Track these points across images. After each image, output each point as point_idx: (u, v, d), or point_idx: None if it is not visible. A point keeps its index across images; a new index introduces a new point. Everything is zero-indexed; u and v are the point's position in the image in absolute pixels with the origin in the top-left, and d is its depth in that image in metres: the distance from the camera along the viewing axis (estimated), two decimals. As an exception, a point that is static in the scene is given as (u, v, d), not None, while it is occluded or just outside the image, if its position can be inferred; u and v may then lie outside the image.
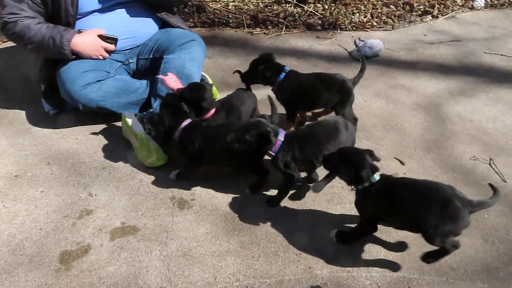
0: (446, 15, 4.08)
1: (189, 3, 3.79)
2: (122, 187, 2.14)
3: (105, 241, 1.87)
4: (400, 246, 1.87)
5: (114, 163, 2.28)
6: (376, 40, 3.36)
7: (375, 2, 4.12)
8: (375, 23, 3.87)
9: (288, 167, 1.93)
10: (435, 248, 1.72)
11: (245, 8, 3.95)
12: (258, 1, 4.06)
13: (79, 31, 2.36)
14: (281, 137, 1.91)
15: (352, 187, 1.85)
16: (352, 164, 1.71)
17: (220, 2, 4.02)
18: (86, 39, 2.36)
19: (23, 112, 2.64)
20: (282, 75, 2.32)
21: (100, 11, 2.40)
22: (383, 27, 3.84)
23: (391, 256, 1.83)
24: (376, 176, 1.72)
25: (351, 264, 1.79)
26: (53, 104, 2.58)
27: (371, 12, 3.98)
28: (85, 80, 2.33)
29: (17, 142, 2.42)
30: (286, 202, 2.06)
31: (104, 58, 2.45)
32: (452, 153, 2.39)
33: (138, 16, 2.50)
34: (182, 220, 1.97)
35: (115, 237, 1.89)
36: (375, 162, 1.76)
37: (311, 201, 2.07)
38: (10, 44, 3.40)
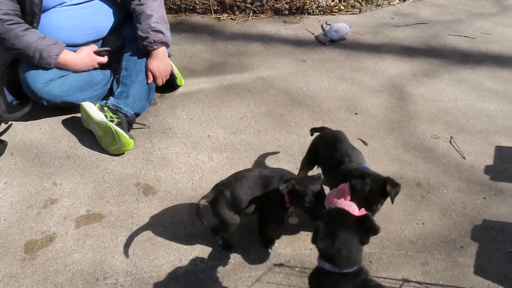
0: (413, -2, 4.13)
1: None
2: (86, 176, 2.13)
3: (70, 229, 1.87)
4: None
5: (79, 152, 2.27)
6: (343, 24, 3.39)
7: (343, -14, 4.11)
8: (342, 7, 3.88)
9: None
10: None
11: (213, -7, 3.90)
12: (226, -14, 4.01)
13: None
14: None
15: None
16: None
17: (187, -12, 3.96)
18: (80, 56, 2.35)
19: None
20: None
21: (65, 5, 2.33)
22: (350, 11, 3.86)
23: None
24: None
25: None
26: (16, 95, 2.52)
27: (339, -4, 3.99)
28: (48, 76, 2.29)
29: (-22, 134, 2.37)
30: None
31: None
32: (414, 132, 2.47)
33: (102, 11, 2.45)
34: (147, 206, 1.98)
35: (80, 225, 1.89)
36: None
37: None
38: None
